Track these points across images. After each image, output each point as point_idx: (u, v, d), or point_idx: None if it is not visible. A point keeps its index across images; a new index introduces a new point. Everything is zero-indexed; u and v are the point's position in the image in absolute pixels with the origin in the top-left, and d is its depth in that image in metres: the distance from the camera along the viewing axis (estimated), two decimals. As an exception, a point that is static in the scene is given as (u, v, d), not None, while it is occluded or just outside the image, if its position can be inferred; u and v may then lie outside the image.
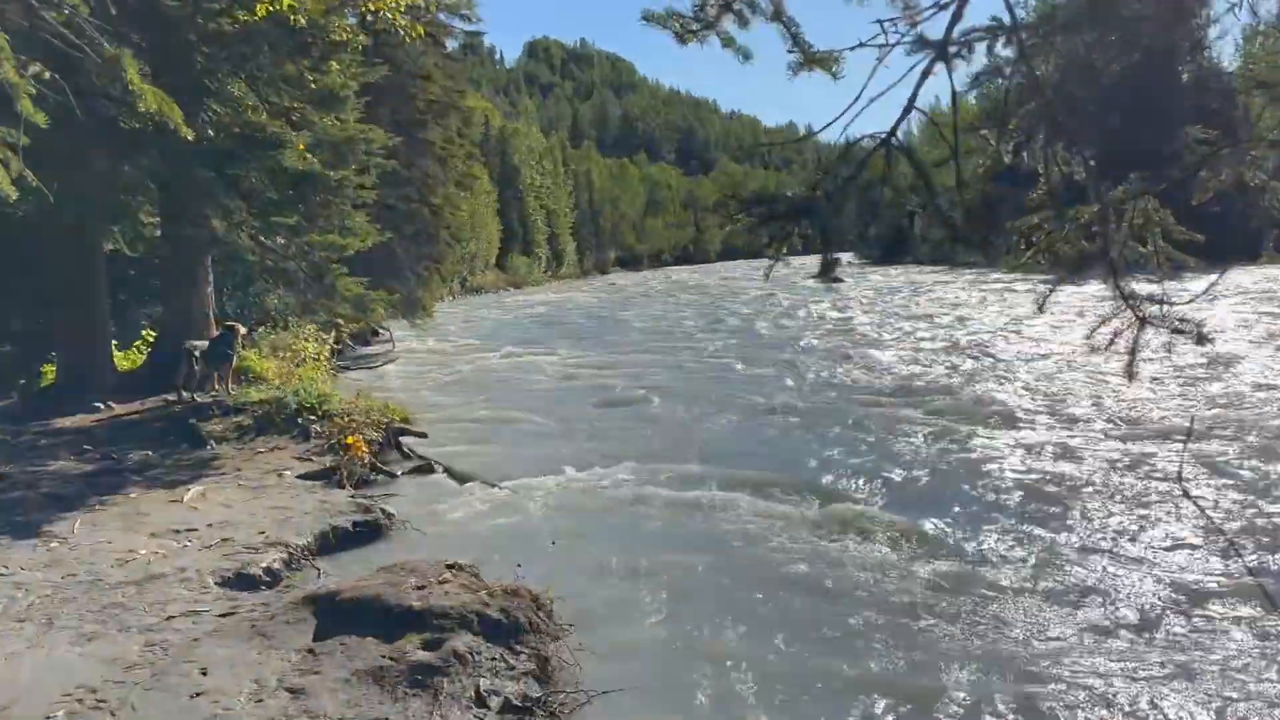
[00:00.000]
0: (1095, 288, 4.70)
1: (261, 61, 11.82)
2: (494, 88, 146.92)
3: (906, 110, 3.89)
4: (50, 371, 14.52)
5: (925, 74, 3.88)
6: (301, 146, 12.56)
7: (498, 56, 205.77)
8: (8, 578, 7.76)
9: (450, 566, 6.89)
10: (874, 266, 65.17)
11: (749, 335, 28.70)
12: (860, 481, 11.06)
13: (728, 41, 4.14)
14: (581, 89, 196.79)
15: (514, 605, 6.20)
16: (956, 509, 9.90)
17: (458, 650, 5.76)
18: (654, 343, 27.71)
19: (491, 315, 44.26)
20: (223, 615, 6.88)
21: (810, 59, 3.98)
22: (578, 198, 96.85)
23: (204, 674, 5.89)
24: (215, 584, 7.64)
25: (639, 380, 19.35)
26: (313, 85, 12.88)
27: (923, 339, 24.75)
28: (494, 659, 5.83)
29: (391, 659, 5.78)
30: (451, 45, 33.77)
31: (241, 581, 7.76)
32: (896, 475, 11.30)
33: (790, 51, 4.02)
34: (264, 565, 8.06)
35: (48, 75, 8.21)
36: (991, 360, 20.06)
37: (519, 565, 7.05)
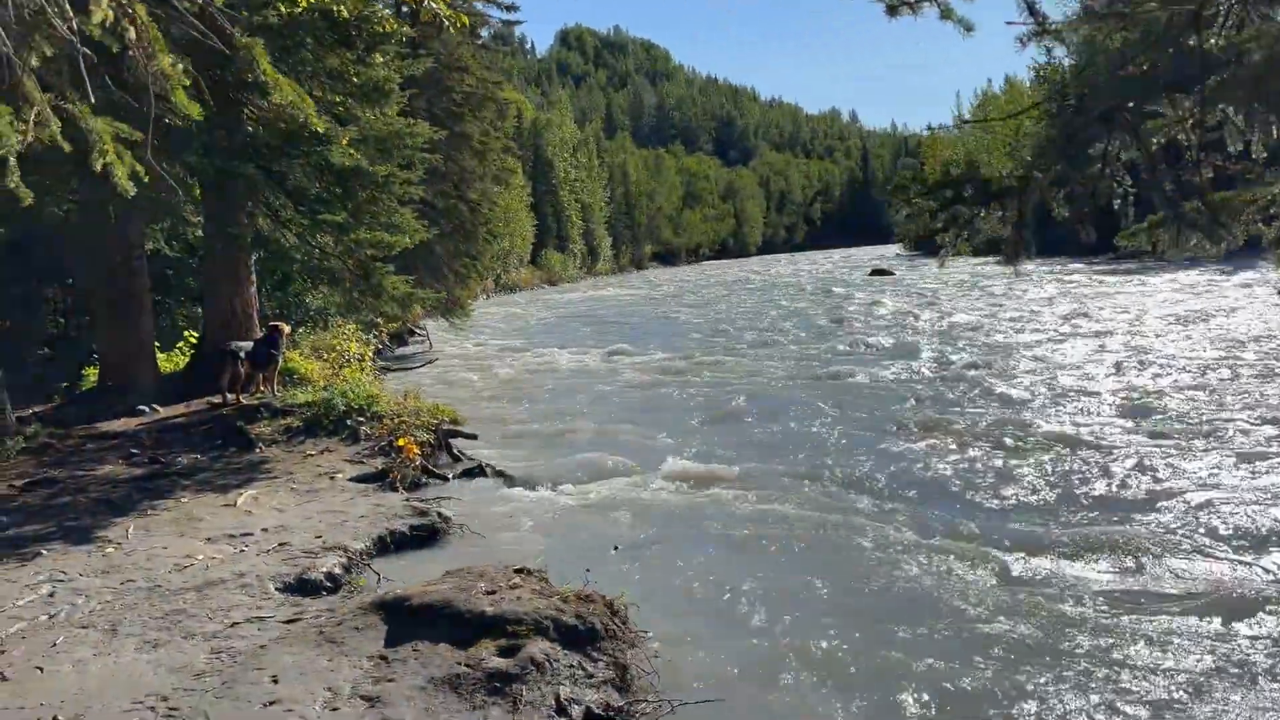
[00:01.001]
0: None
1: (305, 54, 11.67)
2: (525, 78, 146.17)
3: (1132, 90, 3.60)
4: (92, 374, 14.48)
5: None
6: (346, 142, 12.41)
7: (529, 46, 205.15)
8: (67, 583, 7.67)
9: (519, 571, 6.70)
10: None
11: (832, 335, 26.78)
12: (972, 491, 10.59)
13: (946, 13, 3.87)
14: (615, 78, 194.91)
15: (588, 611, 5.98)
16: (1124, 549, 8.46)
17: (535, 657, 5.56)
18: (717, 341, 26.85)
19: (530, 313, 44.14)
20: (288, 621, 6.72)
21: (1044, 29, 3.73)
22: (613, 191, 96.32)
23: (275, 681, 5.73)
24: (276, 589, 7.49)
25: (700, 381, 18.78)
26: (356, 79, 12.72)
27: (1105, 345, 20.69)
28: (572, 666, 5.63)
29: (467, 666, 5.59)
30: (484, 34, 33.61)
31: (302, 587, 7.61)
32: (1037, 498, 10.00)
33: (1023, 23, 3.74)
34: (324, 570, 7.91)
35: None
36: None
37: (587, 570, 6.82)
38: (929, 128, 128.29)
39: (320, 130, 11.07)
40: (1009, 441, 12.18)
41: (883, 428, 13.53)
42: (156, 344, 15.58)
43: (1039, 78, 73.48)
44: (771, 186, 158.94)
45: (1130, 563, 8.04)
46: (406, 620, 6.23)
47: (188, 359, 15.29)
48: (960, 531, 8.99)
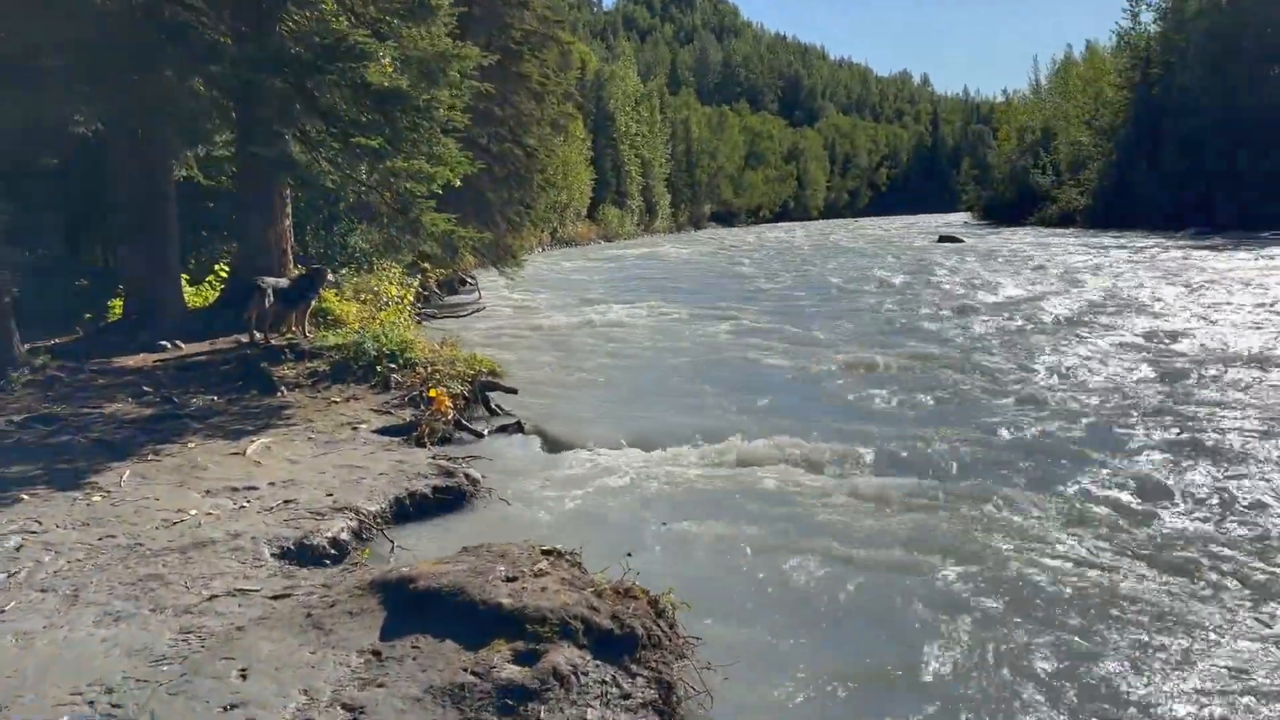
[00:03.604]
0: None
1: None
2: (590, 31, 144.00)
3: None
4: (117, 306, 13.63)
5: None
6: (388, 64, 11.31)
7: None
8: (39, 536, 6.76)
9: (548, 553, 5.60)
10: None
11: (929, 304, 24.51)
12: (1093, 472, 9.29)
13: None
14: (682, 33, 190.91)
15: (628, 611, 4.87)
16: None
17: (559, 668, 4.47)
18: (783, 305, 24.70)
19: (586, 267, 42.91)
20: (275, 597, 5.71)
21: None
22: (674, 147, 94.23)
23: (243, 677, 4.72)
24: (271, 555, 6.50)
25: (768, 346, 16.99)
26: (400, -6, 11.60)
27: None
28: (604, 682, 4.53)
29: (475, 674, 4.52)
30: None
31: (302, 553, 6.62)
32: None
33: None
34: (329, 535, 6.91)
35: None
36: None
37: (629, 554, 5.70)
38: (1003, 93, 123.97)
39: (358, 43, 9.96)
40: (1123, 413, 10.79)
41: (980, 401, 12.11)
42: (186, 277, 14.70)
43: (1123, 43, 70.43)
44: (837, 149, 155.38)
45: None
46: (410, 606, 5.18)
47: (217, 293, 14.38)
48: (1085, 515, 7.73)
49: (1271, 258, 31.86)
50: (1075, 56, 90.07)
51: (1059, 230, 60.76)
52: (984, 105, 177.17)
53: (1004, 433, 10.48)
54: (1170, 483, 8.57)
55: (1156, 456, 9.39)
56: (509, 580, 5.15)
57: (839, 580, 6.60)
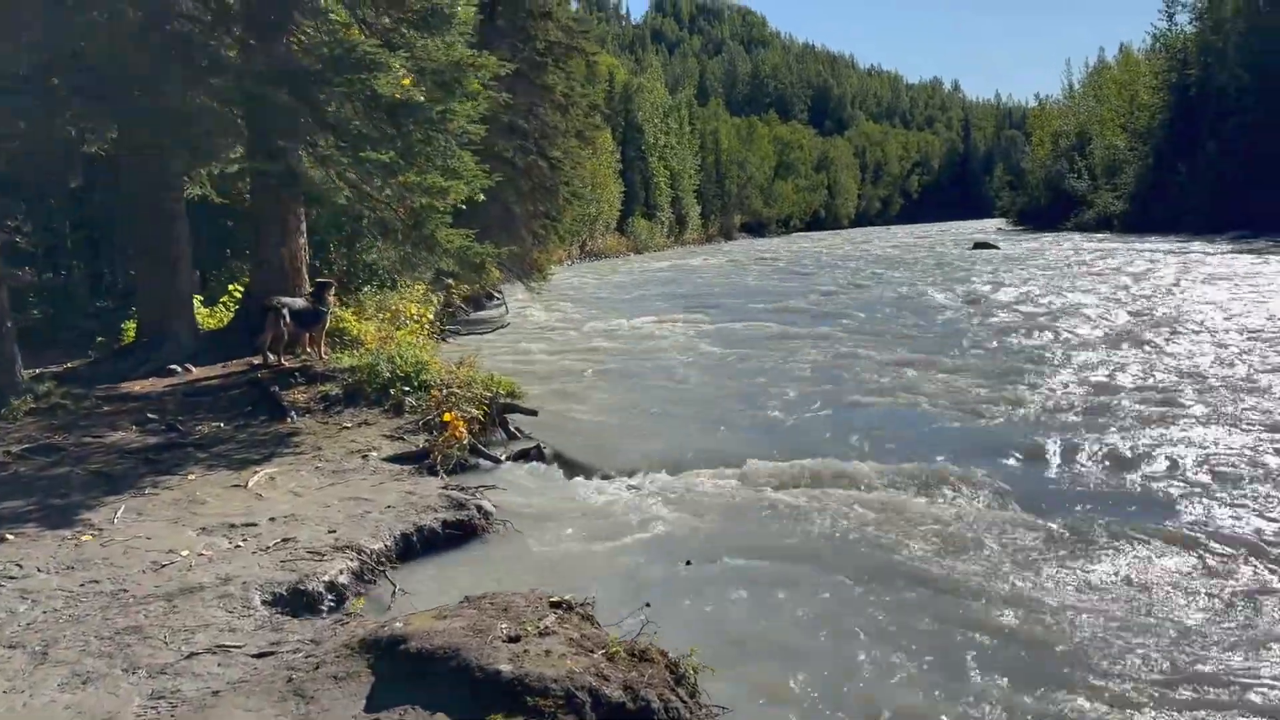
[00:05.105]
0: None
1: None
2: (619, 44, 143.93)
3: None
4: (131, 329, 13.27)
5: None
6: (406, 80, 10.84)
7: (624, 11, 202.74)
8: (17, 581, 6.31)
9: (556, 605, 5.05)
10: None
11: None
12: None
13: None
14: (710, 45, 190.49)
15: (643, 679, 4.30)
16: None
17: (562, 751, 3.91)
18: (820, 319, 23.17)
19: (614, 281, 42.31)
20: (258, 655, 5.21)
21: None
22: (703, 159, 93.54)
23: (211, 756, 4.20)
24: (261, 603, 6.00)
25: (804, 364, 16.03)
26: (416, 4, 11.17)
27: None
28: (614, 768, 3.96)
29: (467, 757, 3.97)
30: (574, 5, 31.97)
31: (294, 600, 6.11)
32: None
33: None
34: (326, 578, 6.40)
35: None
36: None
37: (647, 605, 5.14)
38: (1036, 98, 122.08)
39: (368, 53, 9.52)
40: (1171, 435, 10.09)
41: (1035, 420, 11.40)
42: (200, 298, 14.33)
43: (1158, 45, 69.09)
44: (867, 157, 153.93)
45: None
46: (401, 669, 4.66)
47: (231, 315, 13.99)
48: (1163, 544, 7.07)
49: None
50: (1109, 59, 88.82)
51: (1096, 234, 59.57)
52: (1016, 110, 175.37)
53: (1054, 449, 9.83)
54: None
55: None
56: (511, 640, 4.61)
57: (894, 632, 5.94)
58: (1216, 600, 6.32)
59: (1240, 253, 36.81)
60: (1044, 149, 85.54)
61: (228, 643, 5.38)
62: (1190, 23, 64.90)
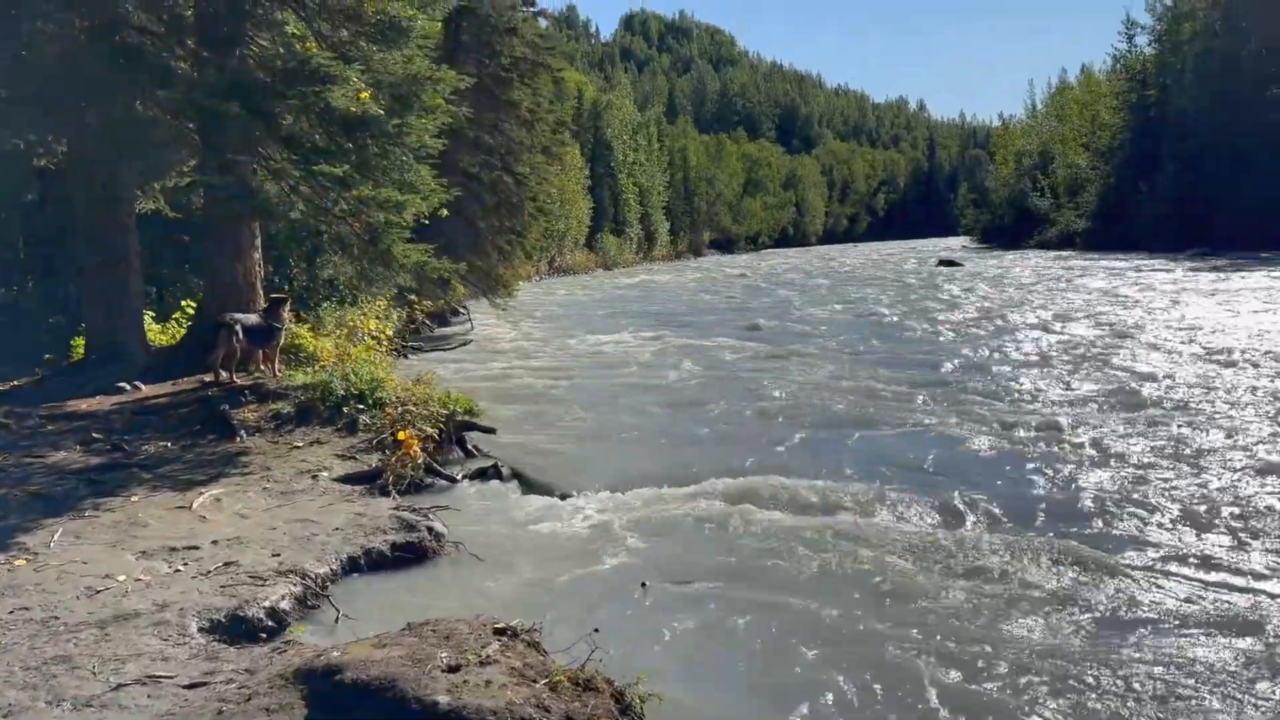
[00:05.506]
0: None
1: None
2: (589, 61, 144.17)
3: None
4: (80, 345, 12.95)
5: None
6: (365, 94, 10.65)
7: (593, 30, 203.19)
8: (-57, 611, 6.04)
9: (501, 631, 4.89)
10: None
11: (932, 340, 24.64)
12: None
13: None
14: (679, 63, 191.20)
15: (585, 710, 4.15)
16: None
17: (498, 789, 3.75)
18: (783, 336, 23.36)
19: (581, 298, 42.15)
20: (190, 686, 5.00)
21: None
22: (672, 175, 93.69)
23: (132, 795, 4.00)
24: (198, 630, 5.79)
25: (768, 381, 15.84)
26: (373, 18, 11.00)
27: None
28: (553, 805, 3.80)
29: (399, 795, 3.80)
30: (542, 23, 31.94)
31: (232, 628, 5.90)
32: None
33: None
34: (267, 604, 6.19)
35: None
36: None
37: (596, 630, 4.99)
38: (1000, 117, 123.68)
39: (321, 66, 9.35)
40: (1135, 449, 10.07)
41: (998, 436, 11.36)
42: (152, 314, 14.04)
43: (1119, 65, 70.14)
44: (835, 175, 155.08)
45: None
46: (336, 700, 4.48)
47: (184, 331, 13.69)
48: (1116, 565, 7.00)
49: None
50: (1070, 80, 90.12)
51: (1059, 252, 60.22)
52: (980, 130, 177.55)
53: (1015, 463, 9.78)
54: None
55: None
56: (451, 670, 4.44)
57: (855, 657, 5.79)
58: (1166, 616, 6.26)
59: (1200, 270, 37.30)
60: (1007, 168, 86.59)
61: (159, 673, 5.17)
62: (1149, 44, 66.06)
